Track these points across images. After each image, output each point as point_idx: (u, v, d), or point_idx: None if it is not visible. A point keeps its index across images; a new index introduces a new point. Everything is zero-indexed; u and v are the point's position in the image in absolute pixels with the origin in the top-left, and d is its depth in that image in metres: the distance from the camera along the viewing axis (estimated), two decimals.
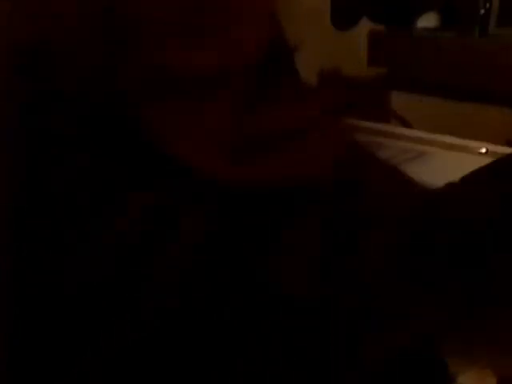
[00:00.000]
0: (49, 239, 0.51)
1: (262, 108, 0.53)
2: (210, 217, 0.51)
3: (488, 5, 1.43)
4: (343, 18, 1.49)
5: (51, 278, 0.52)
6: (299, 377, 0.53)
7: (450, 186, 0.74)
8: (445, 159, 0.89)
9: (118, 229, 0.50)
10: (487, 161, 0.89)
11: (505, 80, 1.40)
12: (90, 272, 0.52)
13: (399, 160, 0.87)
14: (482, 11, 1.43)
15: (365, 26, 1.55)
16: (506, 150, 0.93)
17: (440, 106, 1.52)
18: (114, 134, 0.50)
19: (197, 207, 0.50)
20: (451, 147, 0.93)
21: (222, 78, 0.52)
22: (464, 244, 0.55)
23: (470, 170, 0.85)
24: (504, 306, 0.56)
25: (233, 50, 0.52)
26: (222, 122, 0.51)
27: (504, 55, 1.41)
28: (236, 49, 0.53)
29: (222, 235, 0.51)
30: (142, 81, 0.50)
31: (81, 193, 0.50)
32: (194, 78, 0.51)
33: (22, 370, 0.53)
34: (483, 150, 0.91)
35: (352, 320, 0.52)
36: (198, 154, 0.50)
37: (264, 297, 0.51)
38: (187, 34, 0.52)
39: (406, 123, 1.39)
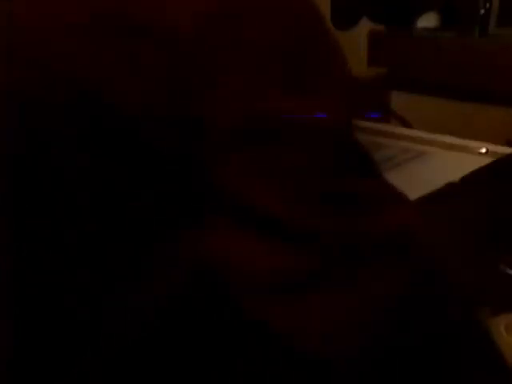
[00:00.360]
0: (48, 239, 0.51)
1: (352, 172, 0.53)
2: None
3: (488, 5, 1.42)
4: (343, 18, 1.49)
5: (51, 278, 0.52)
6: None
7: (450, 186, 0.74)
8: (445, 159, 0.89)
9: None
10: (487, 161, 0.89)
11: (505, 80, 1.40)
12: (89, 275, 0.52)
13: (399, 160, 0.87)
14: (482, 11, 1.43)
15: (365, 26, 1.55)
16: (506, 150, 0.93)
17: (440, 106, 1.52)
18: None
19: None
20: (451, 147, 0.93)
21: (318, 131, 0.51)
22: None
23: (470, 170, 0.86)
24: None
25: (328, 106, 0.52)
26: (312, 176, 0.51)
27: (504, 55, 1.41)
28: (331, 104, 0.52)
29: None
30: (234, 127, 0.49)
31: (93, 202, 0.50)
32: (285, 126, 0.50)
33: (22, 370, 0.53)
34: (483, 150, 0.91)
35: None
36: (287, 206, 0.50)
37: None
38: (288, 84, 0.51)
39: (406, 123, 1.39)
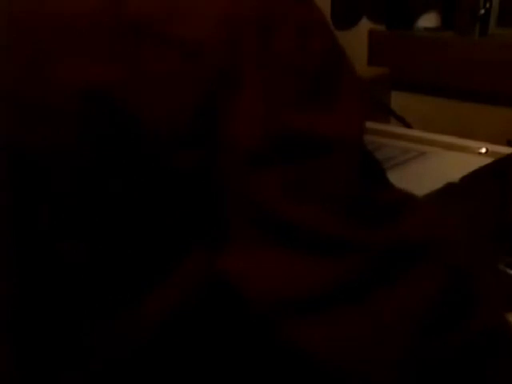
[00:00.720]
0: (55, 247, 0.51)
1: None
2: None
3: (488, 5, 1.42)
4: (343, 18, 1.49)
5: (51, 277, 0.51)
6: None
7: (450, 186, 0.74)
8: (445, 159, 0.89)
9: None
10: (487, 161, 0.89)
11: (505, 80, 1.40)
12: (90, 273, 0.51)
13: (399, 160, 0.87)
14: (482, 11, 1.43)
15: (365, 26, 1.55)
16: (506, 150, 0.93)
17: (440, 106, 1.52)
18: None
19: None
20: (451, 147, 0.93)
21: (341, 143, 0.51)
22: None
23: (470, 169, 0.86)
24: None
25: (350, 117, 0.52)
26: (340, 188, 0.51)
27: (504, 55, 1.41)
28: (353, 116, 0.52)
29: None
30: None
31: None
32: (314, 141, 0.50)
33: (23, 370, 0.53)
34: (483, 150, 0.91)
35: None
36: (317, 217, 0.49)
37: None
38: (313, 98, 0.50)
39: (405, 123, 1.39)
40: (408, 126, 1.37)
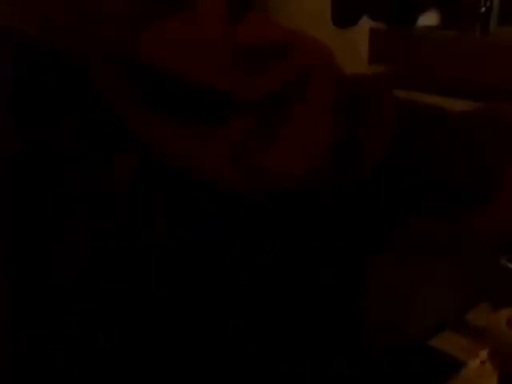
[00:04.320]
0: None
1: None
2: None
3: (489, 3, 1.43)
4: (344, 17, 1.50)
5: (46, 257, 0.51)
6: None
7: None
8: None
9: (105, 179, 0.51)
10: None
11: (506, 79, 1.40)
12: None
13: None
14: (483, 9, 1.43)
15: (366, 25, 1.55)
16: None
17: (441, 105, 1.52)
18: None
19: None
20: None
21: None
22: None
23: None
24: None
25: None
26: (213, 33, 0.51)
27: (505, 54, 1.41)
28: None
29: None
30: None
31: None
32: None
33: (23, 370, 0.52)
34: None
35: None
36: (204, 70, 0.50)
37: None
38: None
39: None
40: None
